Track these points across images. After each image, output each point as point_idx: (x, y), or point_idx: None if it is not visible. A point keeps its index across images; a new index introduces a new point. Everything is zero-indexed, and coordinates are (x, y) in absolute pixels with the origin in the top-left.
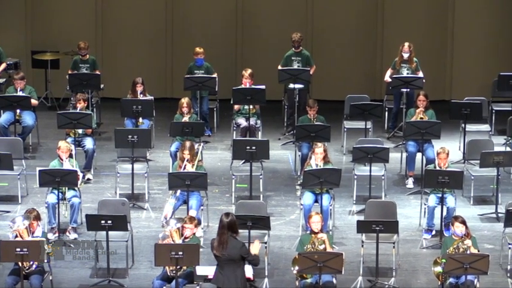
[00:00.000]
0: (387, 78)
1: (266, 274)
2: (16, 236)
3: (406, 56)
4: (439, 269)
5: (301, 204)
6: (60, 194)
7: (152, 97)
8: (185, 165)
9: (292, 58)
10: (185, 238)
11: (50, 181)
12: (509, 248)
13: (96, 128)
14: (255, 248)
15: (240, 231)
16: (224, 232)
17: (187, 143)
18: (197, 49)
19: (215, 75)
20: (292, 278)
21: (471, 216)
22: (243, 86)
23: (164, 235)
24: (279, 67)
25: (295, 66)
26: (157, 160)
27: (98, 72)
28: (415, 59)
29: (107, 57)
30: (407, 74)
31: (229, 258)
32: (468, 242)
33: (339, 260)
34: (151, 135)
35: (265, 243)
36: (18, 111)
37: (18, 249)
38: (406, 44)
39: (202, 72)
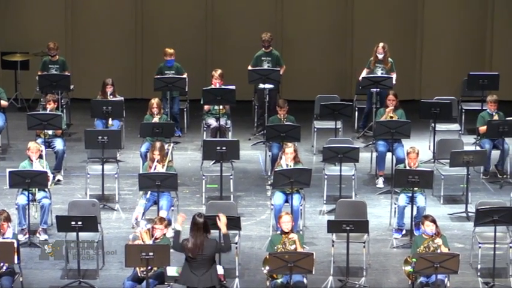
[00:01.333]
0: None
1: (237, 274)
2: None
3: (380, 56)
4: (409, 268)
5: (272, 205)
6: (30, 195)
7: (122, 98)
8: (155, 165)
9: (262, 58)
10: (155, 239)
11: (20, 182)
12: (479, 247)
13: (66, 129)
14: (222, 225)
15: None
16: (201, 233)
17: (157, 144)
18: (167, 50)
19: (185, 75)
20: (263, 278)
21: (441, 216)
22: (213, 86)
23: (134, 236)
24: (249, 67)
25: (265, 66)
26: (127, 161)
27: (67, 73)
28: (390, 59)
29: (76, 58)
30: (382, 74)
31: (204, 258)
32: (438, 240)
33: (310, 260)
34: (122, 136)
35: (236, 243)
36: None
37: None
38: (380, 45)
39: (172, 72)
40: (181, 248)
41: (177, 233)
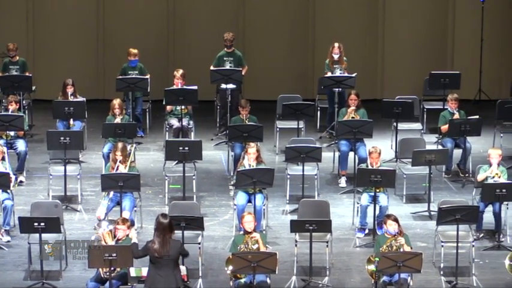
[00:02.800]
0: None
1: (200, 275)
2: None
3: (336, 57)
4: (372, 267)
5: (235, 205)
6: None
7: (84, 99)
8: (118, 166)
9: (225, 58)
10: (118, 240)
11: None
12: (442, 246)
13: (28, 130)
14: None
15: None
16: (166, 233)
17: (119, 144)
18: (131, 50)
19: (148, 76)
20: (226, 278)
21: (404, 215)
22: (174, 86)
23: (97, 237)
24: (211, 67)
25: (228, 66)
26: (90, 162)
27: (28, 74)
28: (345, 58)
29: (38, 58)
30: (340, 74)
31: (169, 259)
32: (401, 239)
33: (273, 259)
34: (84, 136)
35: (199, 243)
36: None
37: None
38: (336, 45)
39: (136, 73)
40: (144, 252)
41: (135, 245)
